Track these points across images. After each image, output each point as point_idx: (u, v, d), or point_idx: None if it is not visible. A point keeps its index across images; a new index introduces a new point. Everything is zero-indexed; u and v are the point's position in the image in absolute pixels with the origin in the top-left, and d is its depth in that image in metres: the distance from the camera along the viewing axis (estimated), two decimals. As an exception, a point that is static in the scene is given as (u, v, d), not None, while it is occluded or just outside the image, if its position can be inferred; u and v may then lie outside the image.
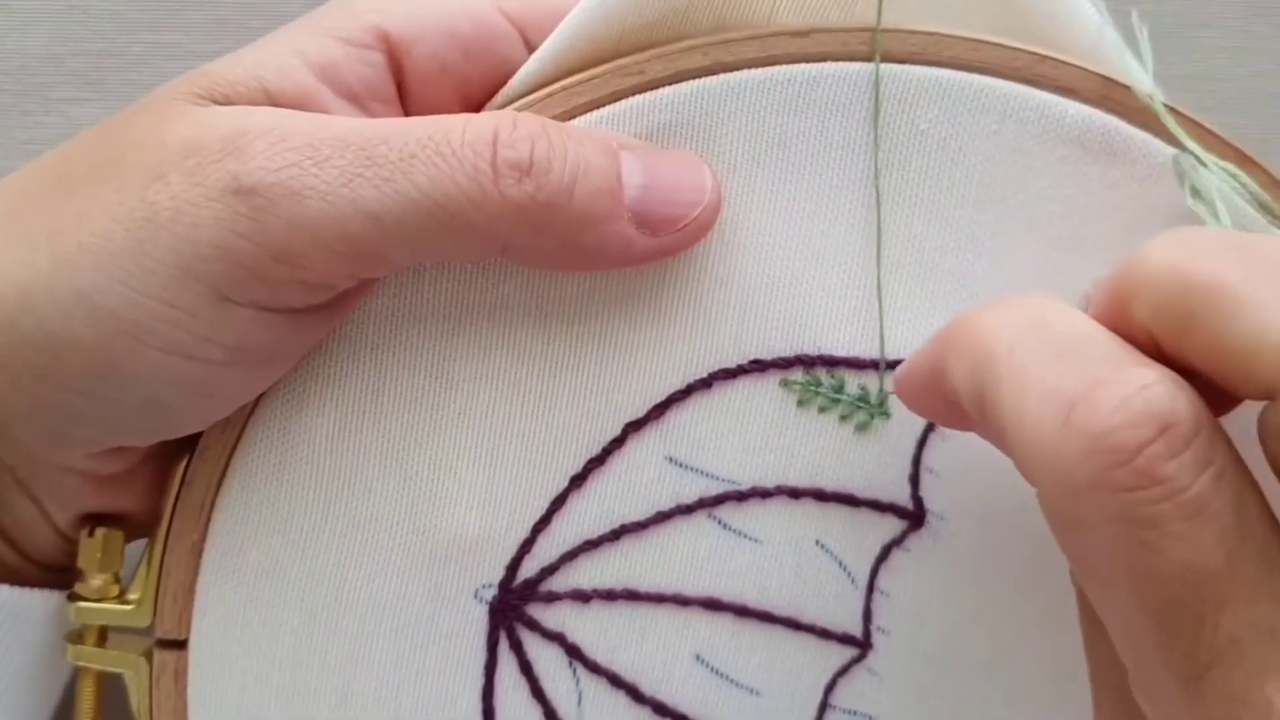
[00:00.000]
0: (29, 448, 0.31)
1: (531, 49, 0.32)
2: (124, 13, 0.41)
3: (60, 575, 0.34)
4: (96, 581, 0.34)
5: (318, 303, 0.29)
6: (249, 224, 0.27)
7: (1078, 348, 0.24)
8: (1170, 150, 0.31)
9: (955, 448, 0.33)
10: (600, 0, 0.31)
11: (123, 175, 0.29)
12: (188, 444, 0.33)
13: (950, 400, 0.27)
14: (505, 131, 0.29)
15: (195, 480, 0.32)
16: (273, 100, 0.30)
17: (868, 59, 0.31)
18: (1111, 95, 0.31)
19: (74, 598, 0.34)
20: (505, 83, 0.32)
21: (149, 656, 0.34)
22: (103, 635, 0.34)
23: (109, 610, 0.33)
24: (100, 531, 0.33)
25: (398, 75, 0.31)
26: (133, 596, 0.34)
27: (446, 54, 0.31)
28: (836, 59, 0.31)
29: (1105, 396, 0.23)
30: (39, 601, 0.34)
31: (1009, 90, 0.31)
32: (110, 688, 0.35)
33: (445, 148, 0.28)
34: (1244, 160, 0.31)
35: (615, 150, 0.30)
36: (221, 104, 0.30)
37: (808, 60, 0.31)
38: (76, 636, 0.34)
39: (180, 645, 0.33)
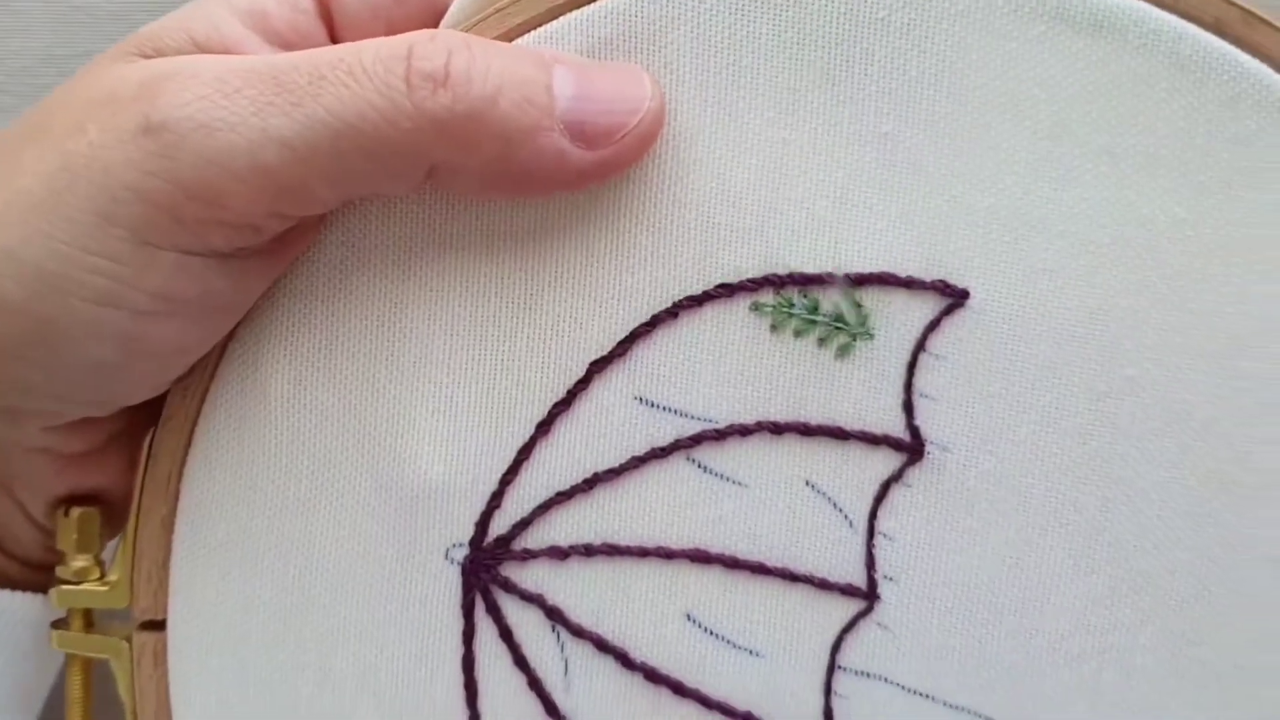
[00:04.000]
0: None
1: None
2: (128, 14, 0.43)
3: (46, 575, 0.34)
4: (77, 563, 0.34)
5: (246, 246, 0.29)
6: (160, 161, 0.28)
7: None
8: (1161, 14, 0.29)
9: (953, 369, 0.31)
10: None
11: (47, 131, 0.29)
12: (158, 417, 0.33)
13: None
14: (421, 45, 0.28)
15: (161, 452, 0.33)
16: (200, 49, 0.30)
17: (816, -56, 0.29)
18: (1090, -40, 0.29)
19: (55, 582, 0.33)
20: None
21: (131, 640, 0.33)
22: (88, 620, 0.34)
23: (87, 592, 0.34)
24: (76, 511, 0.34)
25: (328, 20, 0.31)
26: (112, 577, 0.33)
27: None
28: (783, -52, 0.29)
29: None
30: (18, 605, 0.34)
31: None
32: (102, 677, 0.34)
33: (356, 67, 0.28)
34: (1249, 19, 0.29)
35: (548, 63, 0.29)
36: (150, 57, 0.30)
37: (754, -47, 0.29)
38: (63, 623, 0.34)
39: (160, 626, 0.33)
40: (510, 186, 0.30)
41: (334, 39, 0.32)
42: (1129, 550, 0.31)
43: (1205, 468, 0.30)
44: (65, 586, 0.34)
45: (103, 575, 0.34)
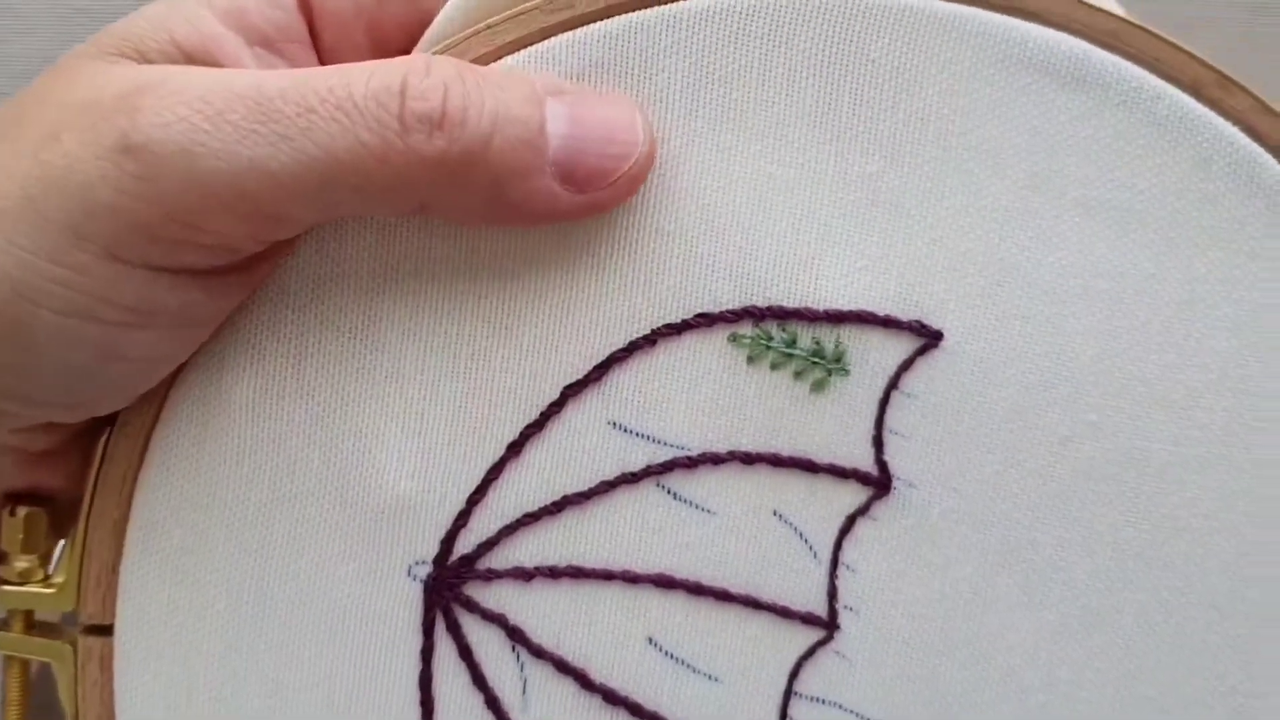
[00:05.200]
0: None
1: None
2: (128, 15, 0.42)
3: None
4: (20, 564, 0.33)
5: (223, 264, 0.28)
6: (138, 184, 0.27)
7: None
8: (1142, 73, 0.29)
9: (923, 407, 0.31)
10: None
11: (22, 133, 0.29)
12: (113, 419, 0.32)
13: None
14: (415, 79, 0.28)
15: (115, 455, 0.32)
16: (181, 49, 0.30)
17: (813, -16, 0.30)
18: (1077, 18, 0.30)
19: None
20: (425, 27, 0.31)
21: (75, 644, 0.32)
22: (30, 622, 0.33)
23: (31, 594, 0.33)
24: (22, 511, 0.33)
25: (309, 17, 0.31)
26: (58, 580, 0.33)
27: None
28: (780, -15, 0.30)
29: None
30: None
31: (966, 14, 0.30)
32: (43, 679, 0.34)
33: (347, 101, 0.28)
34: (1224, 82, 0.29)
35: (540, 97, 0.29)
36: (132, 58, 0.29)
37: (750, -13, 0.30)
38: (3, 624, 0.33)
39: (106, 631, 0.33)
40: (498, 220, 0.30)
41: (314, 35, 0.31)
42: (1081, 589, 0.32)
43: (1159, 513, 0.32)
44: (7, 587, 0.33)
45: (47, 577, 0.33)
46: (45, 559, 0.34)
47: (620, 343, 0.31)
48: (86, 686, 0.33)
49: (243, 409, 0.32)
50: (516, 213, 0.29)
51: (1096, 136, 0.30)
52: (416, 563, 0.32)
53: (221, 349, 0.31)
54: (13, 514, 0.33)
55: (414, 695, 0.32)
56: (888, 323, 0.31)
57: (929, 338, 0.31)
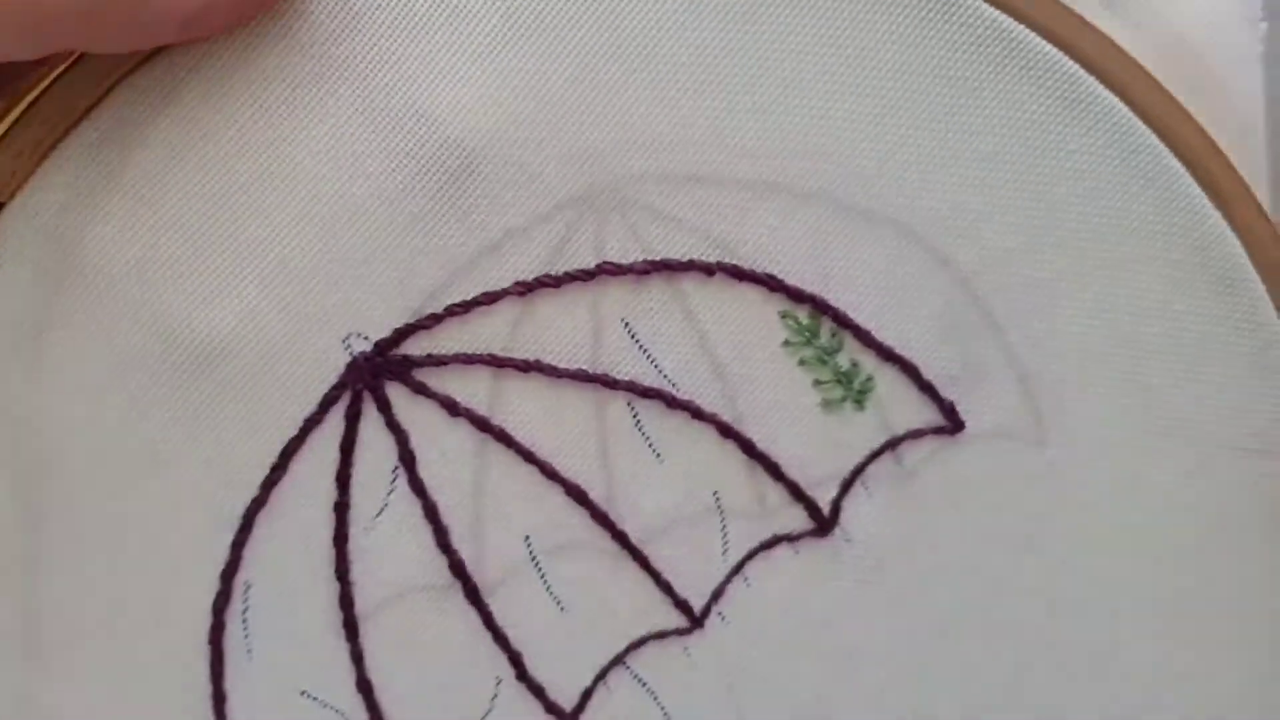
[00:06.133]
0: None
1: None
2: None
3: None
4: None
5: None
6: None
7: None
8: None
9: (907, 478, 0.31)
10: None
11: None
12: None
13: None
14: None
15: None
16: None
17: None
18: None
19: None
20: None
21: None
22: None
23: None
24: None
25: None
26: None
27: None
28: None
29: None
30: None
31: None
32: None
33: None
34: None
35: None
36: None
37: None
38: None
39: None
40: (146, 34, 0.27)
41: None
42: None
43: None
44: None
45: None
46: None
47: (683, 255, 0.29)
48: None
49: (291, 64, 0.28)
50: (157, 19, 0.26)
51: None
52: (357, 334, 0.29)
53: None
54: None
55: (272, 457, 0.29)
56: (926, 388, 0.30)
57: (951, 424, 0.30)
